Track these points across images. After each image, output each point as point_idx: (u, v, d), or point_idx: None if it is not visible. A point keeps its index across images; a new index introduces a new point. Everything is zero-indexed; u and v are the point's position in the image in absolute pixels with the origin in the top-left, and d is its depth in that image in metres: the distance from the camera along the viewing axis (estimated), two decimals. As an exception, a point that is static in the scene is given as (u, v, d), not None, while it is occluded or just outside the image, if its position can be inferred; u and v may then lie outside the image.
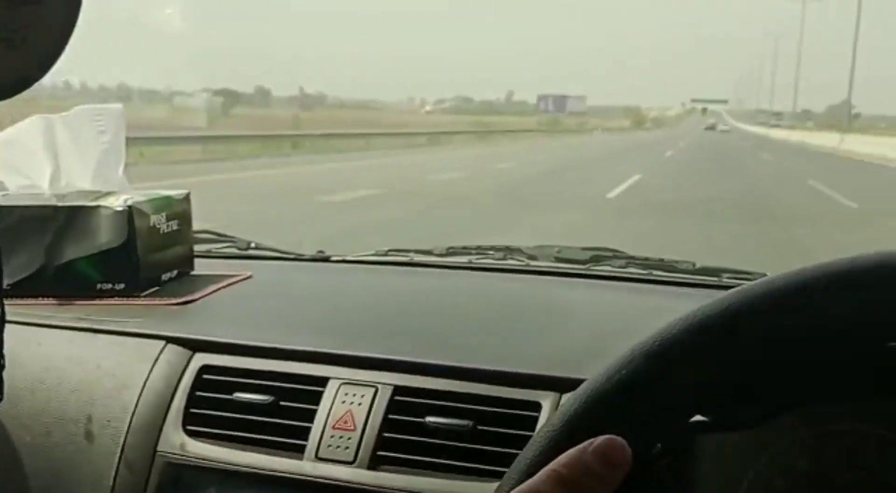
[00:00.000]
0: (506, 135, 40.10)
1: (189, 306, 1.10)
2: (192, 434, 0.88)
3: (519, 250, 1.42)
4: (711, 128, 75.57)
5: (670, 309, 0.44)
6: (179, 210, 1.22)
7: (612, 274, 1.31)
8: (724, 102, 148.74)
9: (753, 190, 11.94)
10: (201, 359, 0.92)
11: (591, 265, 1.34)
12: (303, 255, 1.46)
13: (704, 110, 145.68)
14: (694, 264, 1.32)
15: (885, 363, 0.61)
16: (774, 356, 0.40)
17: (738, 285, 0.45)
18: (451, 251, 1.45)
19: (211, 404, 0.88)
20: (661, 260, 1.34)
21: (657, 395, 0.39)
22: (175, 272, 1.22)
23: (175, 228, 1.21)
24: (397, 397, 0.82)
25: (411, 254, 1.45)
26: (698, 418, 0.64)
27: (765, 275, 1.42)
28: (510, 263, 1.39)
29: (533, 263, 1.38)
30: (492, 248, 1.44)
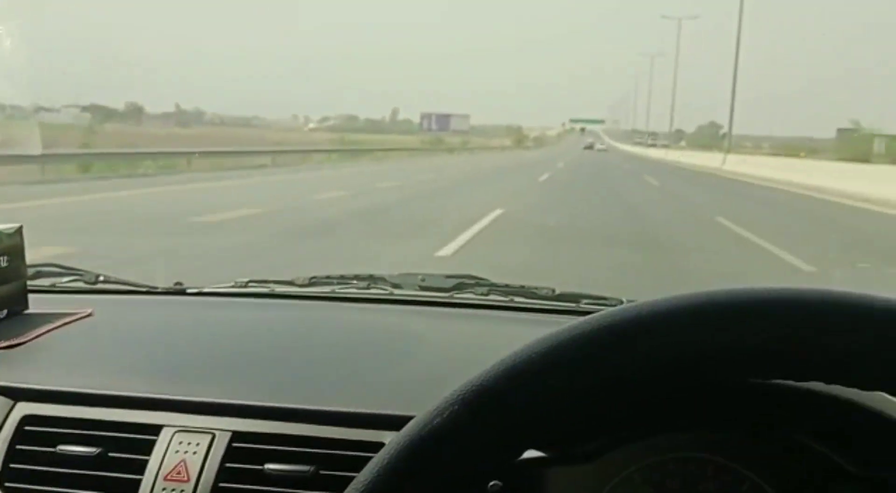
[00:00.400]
0: (388, 153, 38.44)
1: (15, 349, 1.02)
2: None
3: (383, 279, 1.40)
4: (590, 147, 78.51)
5: (528, 337, 0.44)
6: (9, 245, 1.14)
7: (475, 302, 1.32)
8: (602, 122, 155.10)
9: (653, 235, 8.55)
10: (23, 409, 0.85)
11: (454, 293, 1.34)
12: (156, 288, 1.40)
13: (583, 130, 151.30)
14: (553, 291, 1.34)
15: (720, 396, 0.64)
16: (610, 391, 0.40)
17: (596, 310, 0.45)
18: (313, 281, 1.41)
19: (32, 458, 0.82)
20: (522, 287, 1.36)
21: (477, 437, 0.38)
22: (5, 312, 1.13)
23: (4, 264, 1.12)
24: (235, 444, 0.78)
25: (272, 285, 1.41)
26: (533, 454, 0.64)
27: (621, 301, 1.46)
28: (374, 292, 1.38)
29: (397, 291, 1.37)
30: (355, 277, 1.42)
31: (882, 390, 0.37)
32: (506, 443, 0.39)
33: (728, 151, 36.28)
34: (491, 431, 0.38)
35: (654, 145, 72.95)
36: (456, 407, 0.39)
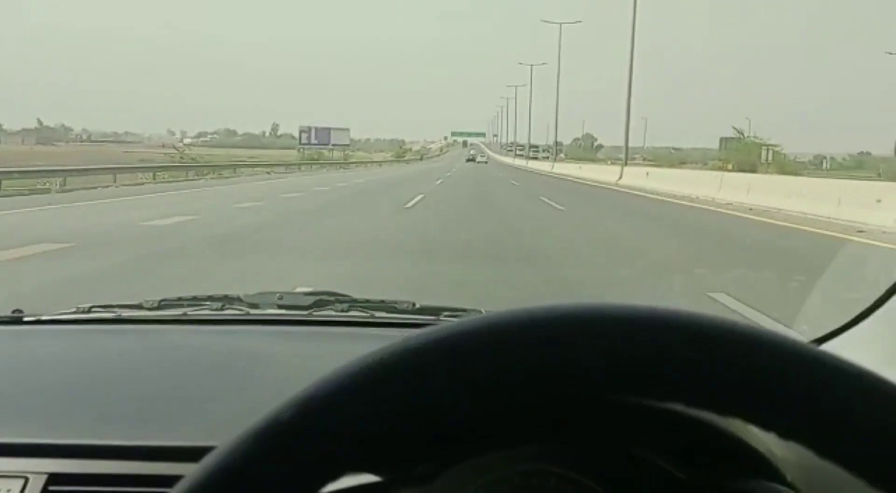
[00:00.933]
0: (260, 168, 35.25)
1: None
2: None
3: (238, 299, 1.35)
4: (472, 159, 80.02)
5: None
6: None
7: (335, 319, 1.29)
8: (482, 134, 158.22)
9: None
10: None
11: (313, 311, 1.31)
12: None
13: (465, 143, 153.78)
14: (414, 304, 1.33)
15: (562, 410, 0.64)
16: (430, 411, 0.37)
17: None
18: (163, 304, 1.34)
19: None
20: (383, 301, 1.34)
21: (272, 468, 0.35)
22: None
23: None
24: (52, 488, 0.72)
25: (117, 310, 1.33)
26: (358, 480, 0.62)
27: (480, 312, 1.45)
28: (229, 313, 1.32)
29: (253, 311, 1.32)
30: (209, 298, 1.36)
31: (712, 410, 0.37)
32: (308, 471, 0.36)
33: (626, 163, 31.47)
34: (287, 460, 0.36)
35: (535, 157, 74.38)
36: (247, 439, 0.36)
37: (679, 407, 0.37)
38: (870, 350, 1.02)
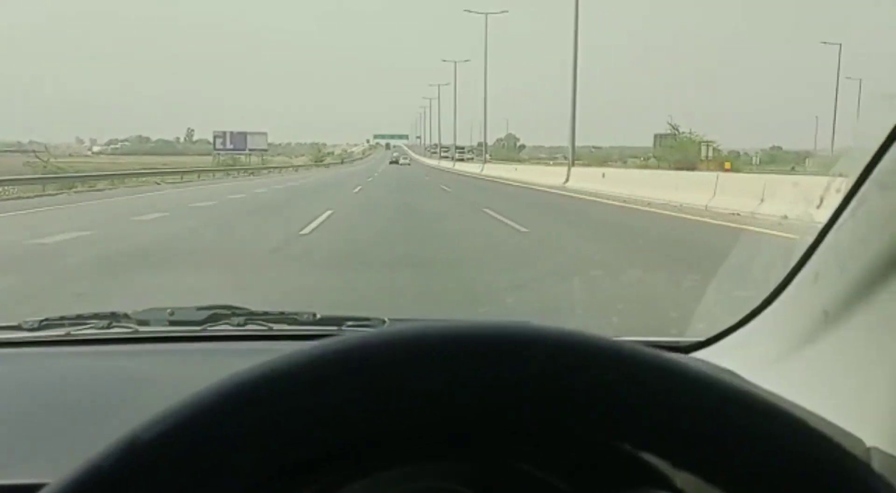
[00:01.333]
0: (151, 178, 29.34)
1: None
2: None
3: (126, 316, 1.29)
4: (395, 161, 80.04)
5: None
6: None
7: (231, 334, 1.25)
8: (405, 136, 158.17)
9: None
10: None
11: (207, 326, 1.26)
12: None
13: (388, 146, 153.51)
14: (315, 315, 1.30)
15: (436, 430, 0.62)
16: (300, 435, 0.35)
17: (358, 332, 0.41)
18: (44, 324, 1.28)
19: None
20: (282, 313, 1.31)
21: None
22: None
23: None
24: None
25: None
26: None
27: (384, 321, 1.42)
28: (116, 332, 1.26)
29: (143, 329, 1.27)
30: (94, 316, 1.30)
31: (576, 426, 0.36)
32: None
33: (572, 163, 27.28)
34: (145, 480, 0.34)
35: (461, 159, 74.06)
36: (96, 472, 0.34)
37: (550, 425, 0.37)
38: (755, 350, 1.05)
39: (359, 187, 23.89)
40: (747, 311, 1.08)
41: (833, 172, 0.91)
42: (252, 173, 44.42)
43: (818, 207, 0.95)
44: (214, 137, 68.71)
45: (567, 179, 24.33)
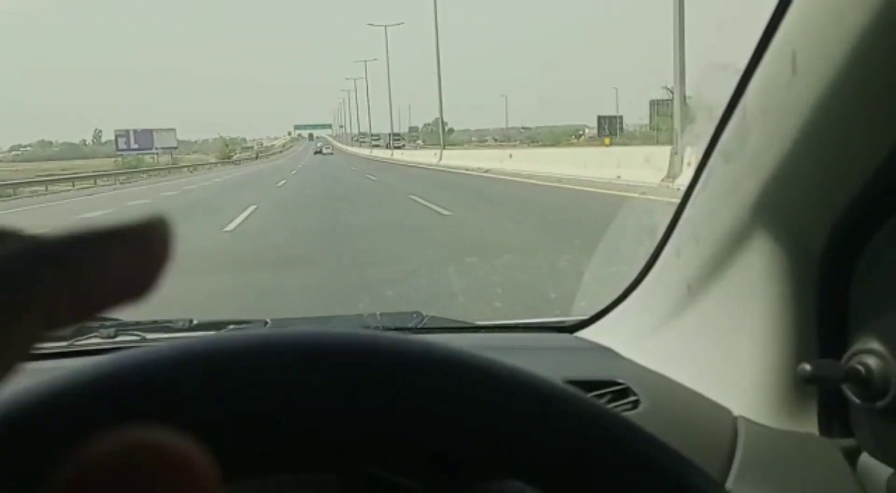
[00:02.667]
0: (61, 184, 27.45)
1: None
2: None
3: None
4: (319, 151, 79.30)
5: None
6: None
7: (100, 347, 1.23)
8: (328, 126, 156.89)
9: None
10: None
11: (74, 340, 1.24)
12: None
13: (311, 136, 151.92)
14: (191, 321, 1.29)
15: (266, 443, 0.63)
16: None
17: None
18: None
19: None
20: (155, 322, 1.29)
21: None
22: None
23: None
24: None
25: None
26: None
27: (266, 322, 1.40)
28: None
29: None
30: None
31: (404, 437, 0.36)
32: None
33: (444, 147, 36.86)
34: None
35: (377, 146, 74.58)
36: None
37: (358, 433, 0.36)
38: (630, 326, 1.09)
39: (253, 207, 13.36)
40: (623, 288, 1.12)
41: (682, 144, 0.95)
42: (150, 175, 39.18)
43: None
44: (117, 137, 65.30)
45: (440, 159, 31.15)
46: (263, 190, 19.50)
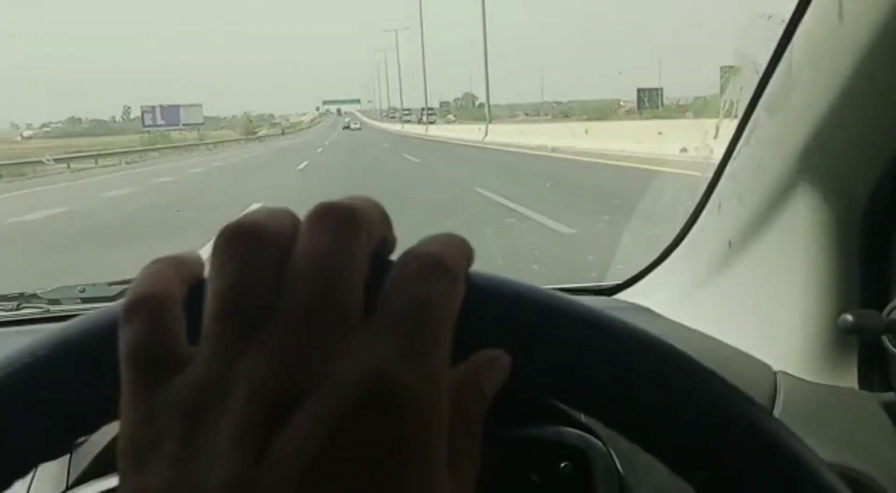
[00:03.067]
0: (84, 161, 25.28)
1: None
2: None
3: (35, 296, 1.31)
4: (347, 126, 79.28)
5: None
6: None
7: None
8: (357, 101, 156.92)
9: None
10: None
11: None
12: None
13: (339, 111, 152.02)
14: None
15: None
16: None
17: None
18: None
19: None
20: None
21: None
22: None
23: None
24: None
25: None
26: None
27: None
28: (26, 312, 1.28)
29: (54, 308, 1.28)
30: (2, 297, 1.31)
31: None
32: None
33: (489, 120, 32.83)
34: None
35: (409, 121, 74.47)
36: None
37: None
38: (670, 286, 1.10)
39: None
40: (662, 249, 1.13)
41: (725, 99, 0.95)
42: (161, 154, 35.31)
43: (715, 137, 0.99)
44: (143, 113, 65.14)
45: (486, 135, 27.46)
46: (280, 176, 16.56)
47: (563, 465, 0.77)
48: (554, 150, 18.32)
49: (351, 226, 0.27)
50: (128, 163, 28.37)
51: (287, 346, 0.25)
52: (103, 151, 30.78)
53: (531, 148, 20.51)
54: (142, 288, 0.28)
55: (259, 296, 0.26)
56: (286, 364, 0.24)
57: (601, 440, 0.79)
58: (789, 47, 0.78)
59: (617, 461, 0.79)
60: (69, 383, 0.31)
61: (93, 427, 0.33)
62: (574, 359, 0.33)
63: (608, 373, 0.33)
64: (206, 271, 0.29)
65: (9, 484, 0.32)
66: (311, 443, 0.23)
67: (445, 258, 0.28)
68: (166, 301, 0.27)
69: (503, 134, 27.61)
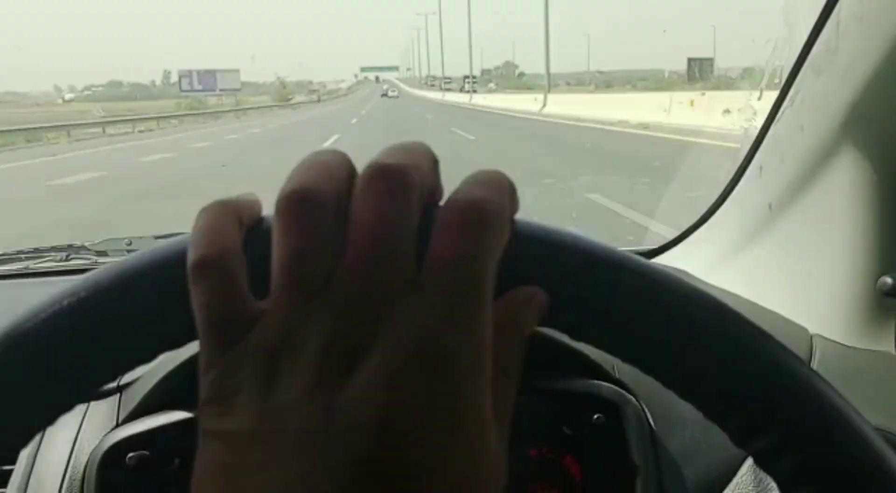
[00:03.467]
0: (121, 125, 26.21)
1: None
2: None
3: (84, 248, 1.36)
4: (385, 94, 79.14)
5: None
6: None
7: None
8: (395, 68, 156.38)
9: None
10: None
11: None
12: None
13: (377, 79, 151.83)
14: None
15: None
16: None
17: None
18: (2, 258, 1.34)
19: None
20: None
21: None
22: None
23: None
24: None
25: None
26: None
27: None
28: (75, 263, 1.33)
29: (101, 260, 1.33)
30: (52, 248, 1.36)
31: None
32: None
33: (549, 89, 31.86)
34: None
35: (449, 89, 73.94)
36: None
37: None
38: (708, 250, 1.11)
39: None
40: (701, 212, 1.14)
41: (769, 63, 0.95)
42: (181, 121, 35.13)
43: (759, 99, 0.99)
44: (180, 78, 65.51)
45: (545, 105, 25.03)
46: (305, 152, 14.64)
47: (595, 417, 0.79)
48: (644, 126, 14.95)
49: (403, 189, 0.29)
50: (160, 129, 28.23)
51: (349, 307, 0.27)
52: (139, 117, 30.93)
53: (609, 123, 17.14)
54: (204, 248, 0.30)
55: (321, 261, 0.28)
56: (350, 323, 0.27)
57: (634, 396, 0.81)
58: (837, 6, 0.78)
59: (649, 417, 0.81)
60: (133, 313, 0.32)
61: (152, 356, 0.34)
62: (612, 301, 0.33)
63: (645, 316, 0.33)
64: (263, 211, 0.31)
65: (59, 415, 0.33)
66: (374, 393, 0.26)
67: (490, 206, 0.29)
68: (230, 260, 0.29)
69: (561, 105, 24.79)
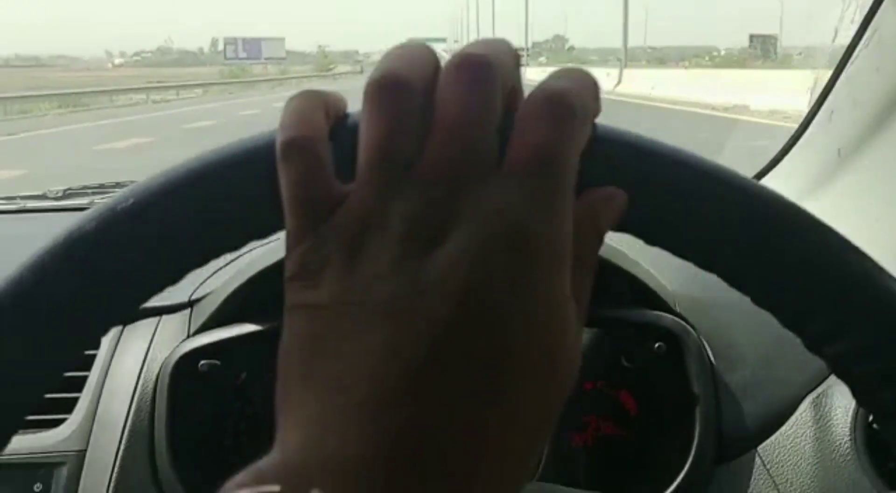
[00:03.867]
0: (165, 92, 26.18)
1: None
2: None
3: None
4: None
5: None
6: None
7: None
8: (443, 39, 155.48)
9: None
10: None
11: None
12: None
13: None
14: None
15: None
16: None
17: None
18: (68, 193, 1.39)
19: None
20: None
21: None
22: None
23: None
24: None
25: (19, 200, 1.37)
26: None
27: None
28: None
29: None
30: (117, 184, 1.41)
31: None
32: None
33: (625, 64, 26.72)
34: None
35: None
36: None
37: None
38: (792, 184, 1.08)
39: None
40: (767, 160, 1.13)
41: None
42: (205, 91, 33.46)
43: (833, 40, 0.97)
44: (225, 45, 65.46)
45: (619, 82, 22.37)
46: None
47: (657, 345, 0.80)
48: (770, 112, 10.63)
49: (488, 78, 0.30)
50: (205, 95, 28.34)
51: (434, 186, 0.28)
52: (183, 84, 30.96)
53: (721, 109, 13.85)
54: (294, 130, 0.31)
55: (407, 144, 0.29)
56: (434, 202, 0.28)
57: (695, 329, 0.82)
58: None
59: (709, 351, 0.81)
60: (226, 197, 0.33)
61: (240, 244, 0.35)
62: (691, 205, 0.33)
63: (727, 221, 0.33)
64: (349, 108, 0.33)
65: (153, 293, 0.34)
66: (458, 266, 0.27)
67: (573, 97, 0.30)
68: (318, 143, 0.31)
69: (641, 82, 21.66)
